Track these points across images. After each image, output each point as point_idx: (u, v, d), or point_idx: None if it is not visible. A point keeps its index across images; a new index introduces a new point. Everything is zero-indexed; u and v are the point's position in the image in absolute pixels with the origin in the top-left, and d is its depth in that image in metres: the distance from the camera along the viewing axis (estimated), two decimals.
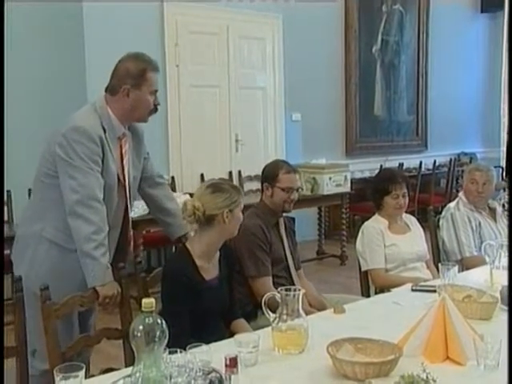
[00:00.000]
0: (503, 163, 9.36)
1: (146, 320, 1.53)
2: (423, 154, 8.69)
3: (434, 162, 7.89)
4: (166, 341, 1.54)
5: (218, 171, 6.21)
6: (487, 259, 3.12)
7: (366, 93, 8.03)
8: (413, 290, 2.84)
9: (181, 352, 1.72)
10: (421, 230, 3.56)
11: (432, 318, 2.02)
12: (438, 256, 3.76)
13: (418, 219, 3.70)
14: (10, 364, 2.26)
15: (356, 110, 7.93)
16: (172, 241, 2.96)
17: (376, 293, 3.29)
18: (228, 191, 2.48)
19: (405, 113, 8.61)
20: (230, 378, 1.73)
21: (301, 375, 1.88)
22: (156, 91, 2.63)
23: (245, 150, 6.78)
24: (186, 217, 2.48)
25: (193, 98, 6.34)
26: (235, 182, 6.31)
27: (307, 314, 2.20)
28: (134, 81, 2.54)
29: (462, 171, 4.25)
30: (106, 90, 2.61)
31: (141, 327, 1.52)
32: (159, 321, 1.54)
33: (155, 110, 2.65)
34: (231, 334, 2.26)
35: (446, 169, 8.12)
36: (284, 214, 3.14)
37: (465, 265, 3.52)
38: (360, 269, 3.43)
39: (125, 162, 2.63)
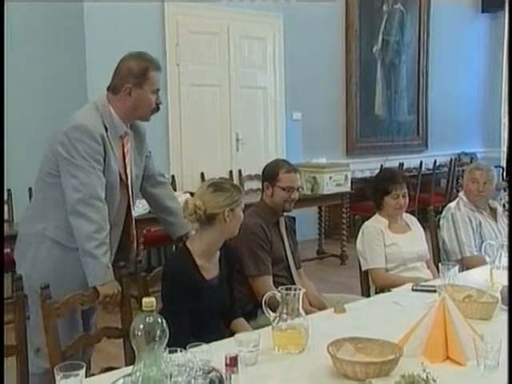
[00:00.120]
0: (504, 163, 9.36)
1: (147, 319, 1.53)
2: (423, 153, 8.69)
3: (435, 161, 7.88)
4: (166, 340, 1.54)
5: (219, 170, 6.21)
6: (487, 259, 3.12)
7: (366, 92, 8.03)
8: (413, 290, 2.84)
9: (181, 351, 1.72)
10: (421, 229, 3.56)
11: (432, 318, 2.02)
12: (439, 256, 3.75)
13: (418, 219, 3.70)
14: (10, 363, 2.27)
15: (356, 110, 7.93)
16: (173, 240, 2.97)
17: (376, 292, 3.29)
18: (229, 190, 2.49)
19: (405, 112, 8.61)
20: (230, 378, 1.73)
21: (301, 375, 1.88)
22: (158, 90, 2.63)
23: (245, 149, 6.78)
24: (187, 215, 2.48)
25: (193, 97, 6.34)
26: (235, 181, 6.31)
27: (307, 313, 2.20)
28: (136, 80, 2.54)
29: (463, 171, 4.25)
30: (108, 89, 2.61)
31: (141, 326, 1.52)
32: (159, 320, 1.54)
33: (157, 108, 2.65)
34: (231, 334, 2.26)
35: (446, 169, 8.11)
36: (284, 214, 3.14)
37: (465, 265, 3.52)
38: (360, 268, 3.43)
39: (127, 160, 2.64)
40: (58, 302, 2.26)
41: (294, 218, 3.30)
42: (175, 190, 5.31)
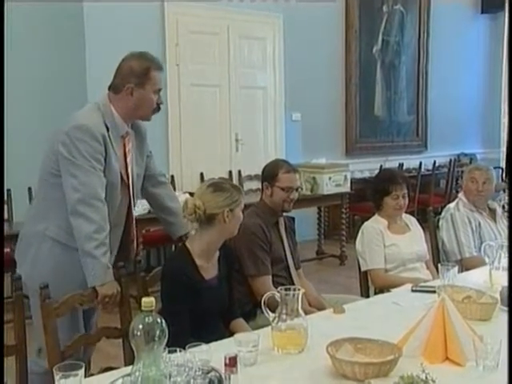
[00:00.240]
0: (503, 164, 9.36)
1: (146, 319, 1.53)
2: (423, 154, 8.69)
3: (434, 162, 7.89)
4: (165, 340, 1.54)
5: (218, 170, 6.21)
6: (487, 260, 3.12)
7: (366, 93, 8.03)
8: (412, 291, 2.84)
9: (180, 351, 1.72)
10: (420, 230, 3.56)
11: (431, 319, 2.02)
12: (438, 256, 3.76)
13: (418, 220, 3.70)
14: (10, 362, 2.27)
15: (356, 110, 7.93)
16: (174, 240, 2.97)
17: (376, 293, 3.29)
18: (229, 190, 2.49)
19: (405, 113, 8.61)
20: (229, 378, 1.73)
21: (300, 375, 1.88)
22: (160, 90, 2.63)
23: (245, 149, 6.78)
24: (187, 215, 2.48)
25: (193, 97, 6.34)
26: (235, 181, 6.31)
27: (307, 313, 2.20)
28: (138, 79, 2.54)
29: (462, 172, 4.25)
30: (110, 89, 2.61)
31: (140, 326, 1.52)
32: (159, 320, 1.54)
33: (158, 108, 2.65)
34: (231, 334, 2.26)
35: (445, 169, 8.12)
36: (284, 214, 3.14)
37: (464, 265, 3.52)
38: (360, 269, 3.43)
39: (128, 160, 2.64)
40: (57, 301, 2.26)
41: (293, 219, 3.30)
42: (174, 190, 5.28)
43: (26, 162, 4.50)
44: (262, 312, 2.20)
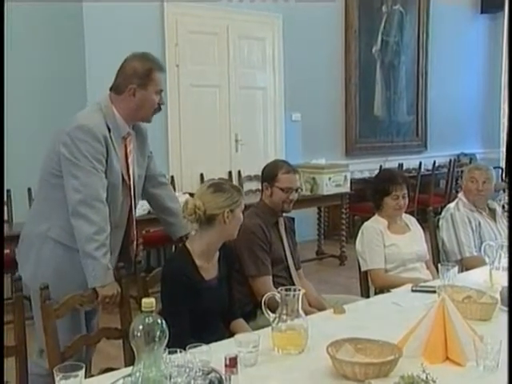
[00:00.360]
0: (503, 164, 9.37)
1: (146, 320, 1.53)
2: (423, 154, 8.69)
3: (434, 162, 7.89)
4: (165, 341, 1.54)
5: (218, 171, 6.21)
6: (487, 260, 3.12)
7: (365, 93, 8.03)
8: (412, 291, 2.84)
9: (180, 352, 1.72)
10: (420, 230, 3.56)
11: (432, 319, 2.02)
12: (438, 256, 3.76)
13: (418, 220, 3.70)
14: (10, 363, 2.27)
15: (356, 110, 7.93)
16: (174, 240, 2.97)
17: (376, 293, 3.29)
18: (229, 191, 2.49)
19: (404, 113, 8.61)
20: (229, 378, 1.73)
21: (300, 375, 1.88)
22: (161, 91, 2.64)
23: (244, 149, 6.78)
24: (187, 216, 2.48)
25: (193, 97, 6.34)
26: (235, 181, 6.32)
27: (307, 314, 2.20)
28: (141, 80, 2.55)
29: (462, 172, 4.25)
30: (111, 89, 2.62)
31: (141, 327, 1.52)
32: (159, 321, 1.54)
33: (159, 109, 2.66)
34: (231, 334, 2.26)
35: (445, 169, 8.12)
36: (284, 214, 3.14)
37: (464, 265, 3.52)
38: (360, 269, 3.43)
39: (130, 161, 2.64)
40: (57, 302, 2.26)
41: (293, 219, 3.29)
42: (174, 190, 5.29)
43: (26, 163, 4.50)
44: (263, 312, 2.20)
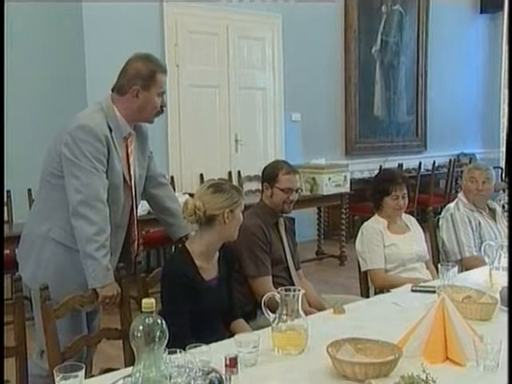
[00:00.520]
0: (502, 164, 9.36)
1: (146, 320, 1.53)
2: (422, 154, 8.69)
3: (434, 162, 7.89)
4: (165, 341, 1.54)
5: (218, 171, 6.22)
6: (487, 260, 3.12)
7: (365, 93, 8.03)
8: (412, 291, 2.84)
9: (180, 352, 1.72)
10: (420, 230, 3.56)
11: (432, 319, 2.02)
12: (438, 256, 3.76)
13: (418, 220, 3.70)
14: (10, 364, 2.26)
15: (355, 111, 7.93)
16: (174, 241, 2.97)
17: (375, 293, 3.29)
18: (229, 191, 2.49)
19: (404, 113, 8.61)
20: (229, 378, 1.73)
21: (300, 376, 1.88)
22: (164, 93, 2.64)
23: (244, 150, 6.78)
24: (187, 216, 2.48)
25: (192, 98, 6.34)
26: (235, 182, 6.31)
27: (307, 314, 2.20)
28: (144, 82, 2.55)
29: (462, 172, 4.25)
30: (113, 90, 2.61)
31: (141, 327, 1.52)
32: (159, 321, 1.54)
33: (161, 111, 2.66)
34: (231, 335, 2.26)
35: (445, 169, 8.12)
36: (284, 215, 3.14)
37: (464, 265, 3.52)
38: (359, 269, 3.43)
39: (131, 161, 2.64)
40: (57, 303, 2.26)
41: (293, 219, 3.30)
42: (174, 191, 5.29)
43: (26, 163, 4.51)
44: (263, 313, 2.20)
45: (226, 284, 2.58)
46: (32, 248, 2.57)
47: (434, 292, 2.59)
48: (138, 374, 1.52)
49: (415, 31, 8.58)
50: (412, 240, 3.43)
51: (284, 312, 2.07)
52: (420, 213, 7.03)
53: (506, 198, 5.34)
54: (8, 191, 4.90)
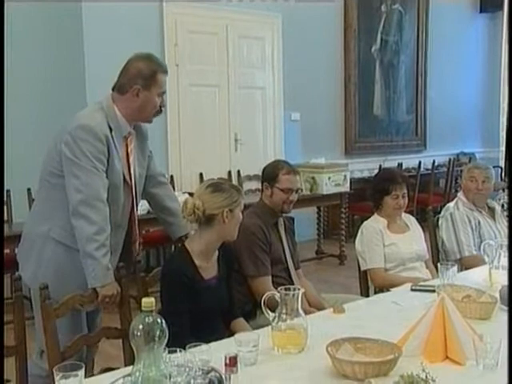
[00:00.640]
0: (502, 163, 9.37)
1: (146, 319, 1.53)
2: (422, 153, 8.70)
3: (433, 161, 7.89)
4: (165, 340, 1.54)
5: (217, 171, 6.22)
6: (486, 259, 3.12)
7: (365, 92, 8.03)
8: (412, 290, 2.84)
9: (180, 351, 1.72)
10: (420, 229, 3.56)
11: (431, 318, 2.02)
12: (437, 256, 3.76)
13: (417, 219, 3.70)
14: (10, 363, 2.27)
15: (355, 110, 7.93)
16: (173, 240, 2.97)
17: (375, 292, 3.29)
18: (228, 191, 2.49)
19: (404, 112, 8.61)
20: (229, 378, 1.73)
21: (300, 375, 1.88)
22: (164, 93, 2.64)
23: (244, 149, 6.78)
24: (186, 216, 2.48)
25: (192, 97, 6.34)
26: (234, 181, 6.32)
27: (306, 313, 2.20)
28: (145, 82, 2.55)
29: (461, 171, 4.25)
30: (113, 89, 2.62)
31: (140, 326, 1.52)
32: (159, 320, 1.54)
33: (160, 111, 2.66)
34: (231, 334, 2.26)
35: (445, 169, 8.12)
36: (283, 214, 3.14)
37: (464, 264, 3.52)
38: (359, 268, 3.43)
39: (131, 160, 2.64)
40: (57, 302, 2.26)
41: (292, 219, 3.29)
42: (174, 190, 5.29)
43: (26, 163, 4.51)
44: (262, 312, 2.20)
45: (225, 283, 2.58)
46: (32, 248, 2.57)
47: (433, 291, 2.59)
48: (137, 373, 1.52)
49: (415, 30, 8.59)
50: (412, 239, 3.43)
51: (284, 311, 2.07)
52: (420, 212, 7.03)
53: (506, 197, 5.34)
54: (8, 191, 4.90)
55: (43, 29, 5.62)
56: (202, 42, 6.38)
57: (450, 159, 8.12)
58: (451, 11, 8.92)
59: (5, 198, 4.85)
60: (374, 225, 3.40)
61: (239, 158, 6.75)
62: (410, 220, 3.56)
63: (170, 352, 1.68)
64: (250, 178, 6.52)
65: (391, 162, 7.83)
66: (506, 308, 2.31)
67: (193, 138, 6.37)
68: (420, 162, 7.60)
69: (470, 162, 8.17)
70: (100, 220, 2.44)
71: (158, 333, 1.52)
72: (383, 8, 8.13)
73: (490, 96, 9.60)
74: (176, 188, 5.78)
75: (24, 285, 2.44)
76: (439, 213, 3.92)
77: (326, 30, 7.48)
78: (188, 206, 2.46)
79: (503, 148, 9.45)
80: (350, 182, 6.35)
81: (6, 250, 3.75)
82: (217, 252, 2.56)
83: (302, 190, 3.90)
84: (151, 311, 1.54)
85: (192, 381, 1.66)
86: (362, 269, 3.40)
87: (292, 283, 2.95)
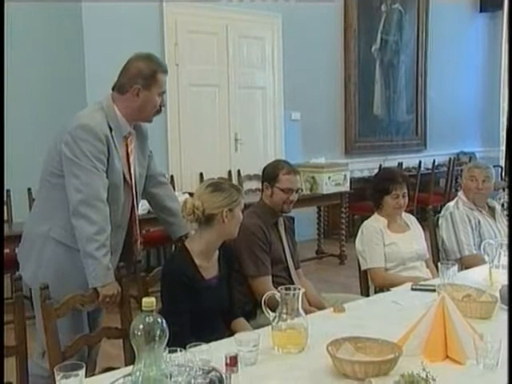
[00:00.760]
0: (502, 162, 9.37)
1: (147, 319, 1.53)
2: (422, 153, 8.70)
3: (434, 161, 7.89)
4: (166, 340, 1.54)
5: (218, 170, 6.22)
6: (486, 258, 3.12)
7: (365, 92, 8.04)
8: (412, 290, 2.84)
9: (181, 351, 1.73)
10: (420, 229, 3.56)
11: (431, 317, 2.02)
12: (438, 255, 3.76)
13: (417, 218, 3.70)
14: (10, 363, 2.27)
15: (355, 110, 7.93)
16: (174, 240, 2.97)
17: (375, 292, 3.29)
18: (228, 190, 2.49)
19: (404, 112, 8.61)
20: (229, 377, 1.73)
21: (300, 374, 1.88)
22: (164, 93, 2.65)
23: (244, 149, 6.78)
24: (186, 215, 2.48)
25: (192, 97, 6.34)
26: (234, 181, 6.32)
27: (307, 313, 2.20)
28: (145, 81, 2.55)
29: (461, 170, 4.25)
30: (113, 89, 2.62)
31: (141, 326, 1.52)
32: (159, 320, 1.54)
33: (159, 110, 2.66)
34: (231, 333, 2.26)
35: (445, 168, 8.12)
36: (283, 214, 3.14)
37: (464, 263, 3.52)
38: (359, 268, 3.44)
39: (131, 160, 2.64)
40: (57, 302, 2.26)
41: (292, 218, 3.30)
42: (174, 190, 5.29)
43: (26, 163, 4.51)
44: (263, 312, 2.20)
45: (226, 283, 2.58)
46: (33, 248, 2.57)
47: (433, 291, 2.59)
48: (138, 373, 1.52)
49: (415, 30, 8.59)
50: (412, 239, 3.43)
51: (284, 311, 2.07)
52: (420, 211, 7.04)
53: (506, 196, 5.34)
54: (8, 190, 4.90)
55: (43, 29, 5.62)
56: (202, 42, 6.38)
57: (450, 159, 8.12)
58: (451, 11, 8.92)
59: (5, 198, 4.85)
60: (375, 224, 3.40)
61: (239, 158, 6.75)
62: (411, 219, 3.55)
63: (170, 352, 1.68)
64: (250, 177, 6.52)
65: (391, 162, 7.83)
66: (506, 307, 2.31)
67: (193, 137, 6.37)
68: (420, 162, 7.60)
69: (470, 161, 8.16)
70: (100, 220, 2.44)
71: (158, 332, 1.52)
72: (383, 8, 8.13)
73: (490, 95, 9.60)
74: (176, 188, 5.78)
75: (24, 285, 2.44)
76: (439, 212, 3.93)
77: (325, 29, 7.48)
78: (187, 205, 2.46)
79: (503, 147, 9.46)
80: (350, 182, 6.35)
81: (6, 250, 3.75)
82: (217, 252, 2.56)
83: (302, 189, 3.90)
84: (152, 311, 1.54)
85: (192, 380, 1.66)
86: (363, 268, 3.40)
87: (292, 283, 2.95)
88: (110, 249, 2.48)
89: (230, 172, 6.61)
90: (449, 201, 4.30)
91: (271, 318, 2.11)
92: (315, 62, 7.31)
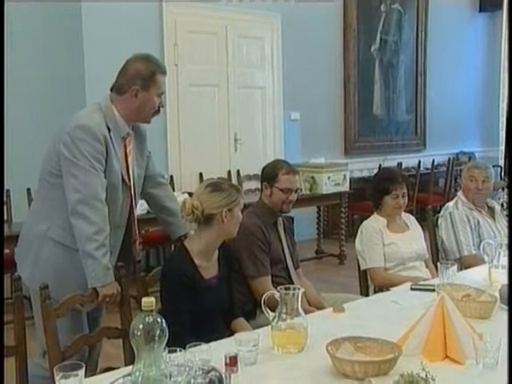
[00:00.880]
0: (502, 162, 9.37)
1: (146, 319, 1.53)
2: (422, 153, 8.70)
3: (433, 161, 7.89)
4: (165, 340, 1.54)
5: (217, 170, 6.22)
6: (486, 258, 3.12)
7: (364, 92, 8.04)
8: (412, 289, 2.84)
9: (180, 351, 1.73)
10: (420, 228, 3.56)
11: (431, 317, 2.02)
12: (437, 255, 3.76)
13: (417, 218, 3.70)
14: (10, 363, 2.27)
15: (355, 109, 7.93)
16: (173, 240, 2.97)
17: (375, 292, 3.30)
18: (227, 190, 2.49)
19: (403, 112, 8.61)
20: (229, 377, 1.74)
21: (300, 374, 1.89)
22: (162, 93, 2.65)
23: (244, 149, 6.78)
24: (185, 216, 2.48)
25: (192, 97, 6.34)
26: (234, 181, 6.32)
27: (306, 313, 2.20)
28: (144, 82, 2.55)
29: (461, 170, 4.25)
30: (112, 90, 2.62)
31: (141, 326, 1.52)
32: (159, 320, 1.54)
33: (158, 111, 2.66)
34: (231, 333, 2.26)
35: (444, 168, 8.12)
36: (283, 214, 3.14)
37: (463, 263, 3.52)
38: (359, 268, 3.44)
39: (129, 161, 2.64)
40: (57, 302, 2.26)
41: (292, 218, 3.30)
42: (174, 190, 5.30)
43: (26, 163, 4.50)
44: (262, 312, 2.20)
45: (225, 283, 2.58)
46: (30, 248, 2.57)
47: (433, 290, 2.59)
48: (137, 373, 1.52)
49: (414, 30, 8.59)
50: (411, 239, 3.44)
51: (284, 311, 2.07)
52: (419, 211, 7.04)
53: (506, 196, 5.35)
54: (7, 190, 4.90)
55: (43, 29, 5.62)
56: (202, 42, 6.38)
57: (449, 158, 8.12)
58: (450, 10, 8.93)
59: (5, 198, 4.85)
60: (374, 224, 3.40)
61: (239, 158, 6.75)
62: (410, 219, 3.56)
63: (170, 351, 1.69)
64: (249, 177, 6.52)
65: (391, 162, 7.83)
66: (505, 307, 2.32)
67: (192, 137, 6.37)
68: (420, 162, 7.60)
69: (469, 161, 8.15)
70: (99, 220, 2.45)
71: (158, 332, 1.52)
72: (382, 8, 8.14)
73: (490, 95, 9.60)
74: (176, 188, 5.79)
75: (24, 285, 2.44)
76: (439, 212, 3.93)
77: (325, 29, 7.49)
78: (187, 205, 2.46)
79: (503, 147, 9.45)
80: (350, 182, 6.36)
81: (6, 250, 3.74)
82: (217, 251, 2.56)
83: (301, 189, 3.90)
84: (151, 311, 1.54)
85: (192, 380, 1.66)
86: (362, 268, 3.40)
87: (292, 283, 2.95)
88: (109, 249, 2.48)
89: (229, 172, 6.61)
90: (448, 201, 4.30)
91: (271, 318, 2.11)
92: (315, 62, 7.31)
